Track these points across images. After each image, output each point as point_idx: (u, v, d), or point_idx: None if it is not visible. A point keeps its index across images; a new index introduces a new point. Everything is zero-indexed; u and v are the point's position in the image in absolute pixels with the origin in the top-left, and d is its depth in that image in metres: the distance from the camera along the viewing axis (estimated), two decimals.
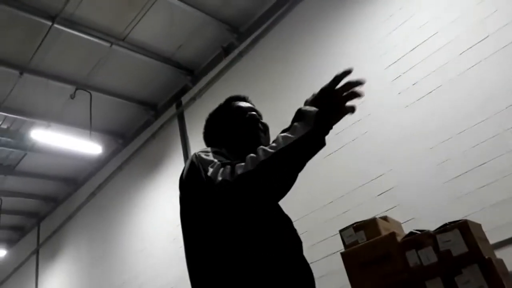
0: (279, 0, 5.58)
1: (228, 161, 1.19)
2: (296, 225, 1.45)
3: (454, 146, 3.53)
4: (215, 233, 1.21)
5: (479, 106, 3.47)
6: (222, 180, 1.10)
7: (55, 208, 9.74)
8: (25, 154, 8.00)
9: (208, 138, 1.56)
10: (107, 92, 6.86)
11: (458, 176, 3.44)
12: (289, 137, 1.10)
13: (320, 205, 4.34)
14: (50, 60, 6.10)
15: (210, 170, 1.16)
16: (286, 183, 1.13)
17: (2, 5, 5.08)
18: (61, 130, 6.77)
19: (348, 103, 1.14)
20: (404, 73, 4.04)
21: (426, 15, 4.05)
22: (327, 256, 3.89)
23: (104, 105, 7.02)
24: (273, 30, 5.57)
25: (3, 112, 6.75)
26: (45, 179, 8.92)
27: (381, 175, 3.95)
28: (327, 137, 1.14)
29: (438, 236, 2.12)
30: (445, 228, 2.13)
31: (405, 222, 3.04)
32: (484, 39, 3.57)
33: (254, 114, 1.49)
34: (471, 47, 3.64)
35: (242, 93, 1.64)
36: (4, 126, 7.25)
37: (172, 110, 7.00)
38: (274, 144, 1.11)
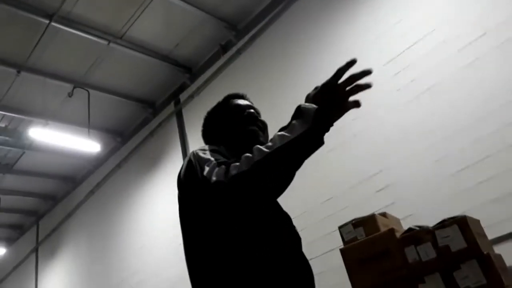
0: None
1: (225, 159, 1.19)
2: (295, 221, 1.45)
3: (453, 142, 3.54)
4: (213, 231, 1.21)
5: (478, 103, 3.47)
6: (216, 180, 1.09)
7: (54, 206, 9.74)
8: (23, 153, 7.99)
9: (207, 135, 1.56)
10: (105, 90, 6.84)
11: (456, 172, 3.45)
12: (286, 136, 1.08)
13: (319, 201, 4.35)
14: (47, 59, 6.09)
15: (206, 169, 1.16)
16: (282, 182, 1.13)
17: None
18: (59, 129, 6.76)
19: (353, 97, 1.11)
20: (402, 70, 4.05)
21: (424, 11, 4.04)
22: (326, 253, 3.90)
23: (102, 103, 7.01)
24: (271, 27, 5.56)
25: (1, 110, 6.73)
26: (44, 178, 8.92)
27: (380, 172, 3.96)
28: (326, 134, 1.11)
29: (437, 232, 2.13)
30: (443, 224, 2.14)
31: (404, 218, 3.05)
32: (482, 35, 3.57)
33: (253, 112, 1.49)
34: (469, 44, 3.64)
35: (240, 90, 1.64)
36: (2, 125, 7.23)
37: (170, 108, 7.00)
38: (270, 144, 1.10)
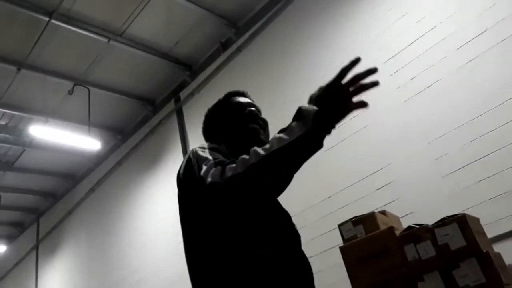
0: None
1: (223, 159, 1.18)
2: (295, 219, 1.45)
3: (453, 141, 3.54)
4: (213, 229, 1.22)
5: (477, 101, 3.47)
6: (211, 181, 1.09)
7: (54, 204, 9.75)
8: (24, 150, 8.00)
9: (207, 133, 1.56)
10: (105, 87, 6.84)
11: (456, 170, 3.45)
12: (283, 138, 1.07)
13: (319, 199, 4.35)
14: (47, 56, 6.08)
15: (204, 168, 1.16)
16: (278, 185, 1.12)
17: None
18: (60, 126, 6.76)
19: (358, 98, 1.07)
20: (402, 67, 4.04)
21: (423, 9, 4.04)
22: (326, 250, 3.90)
23: (102, 100, 7.01)
24: (271, 24, 5.56)
25: (1, 108, 6.74)
26: (44, 175, 8.93)
27: (380, 170, 3.96)
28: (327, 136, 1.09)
29: (436, 230, 2.13)
30: (443, 222, 2.14)
31: (403, 216, 3.05)
32: (482, 33, 3.57)
33: (253, 110, 1.49)
34: (468, 42, 3.63)
35: (240, 87, 1.63)
36: (2, 122, 7.24)
37: (171, 105, 6.99)
38: (267, 146, 1.08)
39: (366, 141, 4.16)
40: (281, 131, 1.11)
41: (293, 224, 1.42)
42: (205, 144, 1.34)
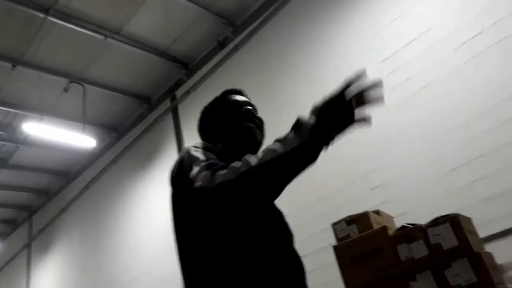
0: None
1: (214, 162, 1.16)
2: (288, 218, 1.46)
3: (447, 141, 3.57)
4: (204, 227, 1.21)
5: (473, 101, 3.50)
6: (199, 185, 1.07)
7: (48, 202, 9.70)
8: (18, 147, 7.94)
9: (203, 131, 1.54)
10: (101, 85, 6.82)
11: (450, 170, 3.47)
12: (277, 149, 1.04)
13: (313, 198, 4.36)
14: (43, 53, 6.05)
15: (194, 170, 1.14)
16: (267, 195, 1.10)
17: None
18: (54, 123, 6.72)
19: (363, 112, 1.03)
20: (399, 67, 4.06)
21: (420, 9, 4.06)
22: (319, 250, 3.91)
23: (98, 98, 6.98)
24: (268, 23, 5.56)
25: None
26: (38, 173, 8.88)
27: (374, 169, 3.98)
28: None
29: (429, 230, 2.15)
30: (436, 222, 2.16)
31: (397, 216, 3.07)
32: (479, 34, 3.59)
33: (250, 109, 1.48)
34: (465, 42, 3.66)
35: (237, 86, 1.62)
36: None
37: (167, 103, 6.98)
38: (260, 155, 1.06)
39: (360, 141, 4.17)
40: (276, 140, 1.08)
41: (287, 223, 1.42)
42: (199, 144, 1.32)
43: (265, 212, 1.31)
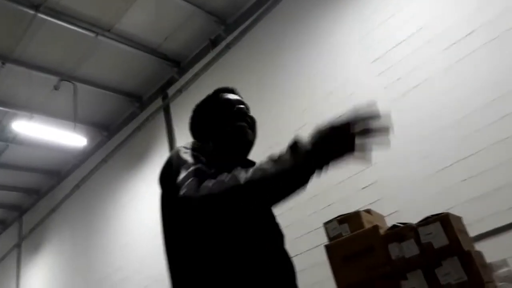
0: None
1: (202, 169, 1.14)
2: (280, 218, 1.45)
3: (437, 141, 3.59)
4: (192, 229, 1.19)
5: (463, 101, 3.52)
6: (185, 193, 1.05)
7: (38, 201, 9.60)
8: (7, 146, 7.84)
9: (194, 129, 1.53)
10: (92, 83, 6.76)
11: (441, 170, 3.50)
12: (267, 169, 1.02)
13: (304, 198, 4.35)
14: (33, 50, 5.98)
15: (181, 175, 1.12)
16: (251, 213, 1.08)
17: None
18: (45, 122, 6.66)
19: (363, 147, 0.99)
20: (389, 68, 4.08)
21: (412, 9, 4.08)
22: (311, 249, 3.92)
23: (88, 96, 6.92)
24: (261, 22, 5.56)
25: None
26: (28, 172, 8.77)
27: (365, 169, 3.99)
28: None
29: (419, 229, 2.16)
30: (426, 221, 2.17)
31: (388, 215, 3.08)
32: (469, 34, 3.62)
33: (242, 108, 1.46)
34: (455, 43, 3.69)
35: (229, 85, 1.60)
36: None
37: (158, 102, 6.94)
38: (250, 173, 1.03)
39: None
40: (270, 158, 1.06)
41: (277, 223, 1.41)
42: (190, 144, 1.30)
43: (254, 213, 1.30)
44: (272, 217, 1.40)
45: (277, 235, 1.36)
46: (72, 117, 6.69)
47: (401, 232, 2.22)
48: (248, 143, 1.44)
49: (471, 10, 3.66)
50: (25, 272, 9.48)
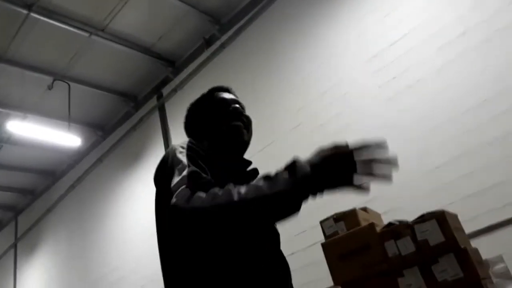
0: None
1: (197, 174, 1.12)
2: None
3: (433, 139, 3.60)
4: (184, 230, 1.18)
5: (457, 100, 3.54)
6: (176, 203, 1.03)
7: (33, 201, 9.55)
8: (1, 147, 7.79)
9: (189, 128, 1.52)
10: (86, 83, 6.72)
11: (436, 167, 3.51)
12: (262, 189, 0.99)
13: None
14: (26, 50, 5.94)
15: (176, 179, 1.10)
16: (240, 231, 1.06)
17: None
18: (39, 122, 6.62)
19: (363, 179, 0.97)
20: (384, 66, 4.09)
21: (406, 9, 4.09)
22: (307, 247, 3.93)
23: (83, 96, 6.89)
24: (255, 22, 5.55)
25: None
26: (23, 172, 8.73)
27: None
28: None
29: (416, 226, 2.16)
30: (422, 219, 2.17)
31: (384, 212, 3.09)
32: (462, 34, 3.64)
33: (238, 107, 1.45)
34: (449, 43, 3.70)
35: (223, 84, 1.60)
36: None
37: (153, 102, 6.92)
38: (244, 190, 1.01)
39: (348, 138, 4.17)
40: (266, 176, 1.03)
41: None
42: (185, 143, 1.28)
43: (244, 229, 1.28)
44: None
45: (272, 234, 1.36)
46: (66, 117, 6.65)
47: (397, 229, 2.22)
48: (244, 143, 1.43)
49: (465, 10, 3.68)
50: (22, 273, 9.44)
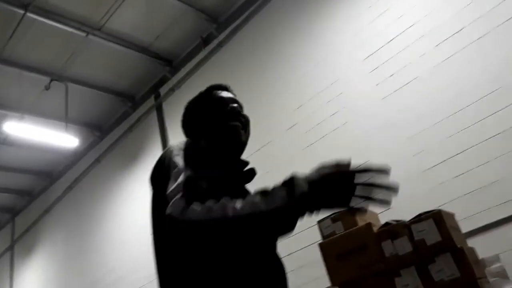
0: None
1: (192, 176, 1.11)
2: None
3: (430, 137, 3.60)
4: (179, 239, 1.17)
5: (454, 98, 3.54)
6: (171, 213, 1.01)
7: (31, 203, 9.52)
8: None
9: (186, 127, 1.49)
10: (83, 83, 6.71)
11: (433, 166, 3.51)
12: (258, 205, 0.98)
13: None
14: (23, 50, 5.92)
15: (171, 185, 1.08)
16: (232, 246, 1.05)
17: None
18: (36, 123, 6.60)
19: (359, 201, 0.96)
20: (381, 64, 4.09)
21: (403, 7, 4.09)
22: (305, 247, 3.92)
23: (80, 96, 6.87)
24: (252, 20, 5.54)
25: None
26: (20, 173, 8.70)
27: (357, 166, 4.00)
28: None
29: (412, 226, 2.17)
30: (419, 218, 2.18)
31: (381, 212, 3.09)
32: (459, 31, 3.64)
33: (236, 107, 1.41)
34: (446, 40, 3.70)
35: (222, 83, 1.59)
36: None
37: (151, 101, 6.91)
38: (239, 205, 0.99)
39: (345, 137, 4.20)
40: (263, 191, 1.02)
41: None
42: (182, 144, 1.26)
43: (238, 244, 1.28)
44: None
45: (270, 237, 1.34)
46: (63, 117, 6.64)
47: (394, 229, 2.22)
48: (241, 144, 1.41)
49: (462, 6, 3.68)
50: (19, 274, 9.41)
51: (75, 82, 6.61)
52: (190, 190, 1.06)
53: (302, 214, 0.99)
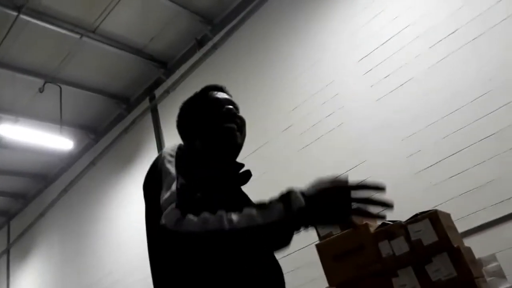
0: None
1: (185, 184, 1.09)
2: None
3: (425, 138, 3.61)
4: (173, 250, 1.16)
5: (449, 99, 3.55)
6: (165, 224, 0.99)
7: (26, 206, 9.45)
8: None
9: (181, 128, 1.47)
10: (77, 85, 6.67)
11: (428, 167, 3.52)
12: (255, 218, 0.98)
13: None
14: (17, 53, 5.88)
15: (164, 194, 1.07)
16: (226, 259, 1.05)
17: None
18: (30, 125, 6.56)
19: (354, 217, 0.98)
20: (376, 66, 4.10)
21: (397, 8, 4.10)
22: (302, 248, 3.91)
23: (74, 98, 6.83)
24: (247, 22, 5.54)
25: None
26: (14, 176, 8.63)
27: (354, 167, 4.00)
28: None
29: (409, 226, 2.17)
30: (416, 219, 2.18)
31: (378, 213, 3.09)
32: (454, 32, 3.65)
33: (231, 108, 1.40)
34: (441, 41, 3.71)
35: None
36: None
37: (145, 103, 6.88)
38: (236, 218, 0.98)
39: (340, 138, 4.20)
40: (260, 205, 1.02)
41: None
42: (175, 149, 1.24)
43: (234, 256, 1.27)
44: None
45: None
46: (58, 119, 6.60)
47: (391, 230, 2.22)
48: (237, 146, 1.39)
49: (457, 8, 3.69)
50: (15, 278, 9.34)
51: (69, 84, 6.57)
52: (184, 200, 1.05)
53: (298, 229, 1.00)
